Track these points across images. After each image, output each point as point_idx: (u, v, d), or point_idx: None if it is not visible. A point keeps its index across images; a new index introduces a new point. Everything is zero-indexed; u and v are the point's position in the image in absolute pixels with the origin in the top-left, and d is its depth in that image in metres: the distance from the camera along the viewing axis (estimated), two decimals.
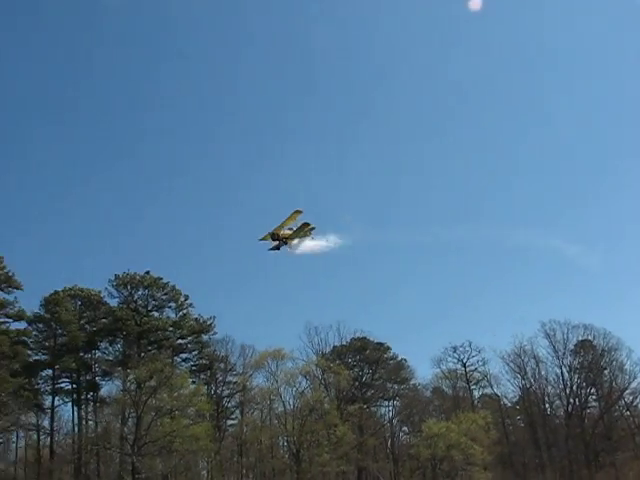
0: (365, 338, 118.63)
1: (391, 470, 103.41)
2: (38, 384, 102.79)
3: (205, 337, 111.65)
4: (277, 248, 58.95)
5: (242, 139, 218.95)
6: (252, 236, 61.95)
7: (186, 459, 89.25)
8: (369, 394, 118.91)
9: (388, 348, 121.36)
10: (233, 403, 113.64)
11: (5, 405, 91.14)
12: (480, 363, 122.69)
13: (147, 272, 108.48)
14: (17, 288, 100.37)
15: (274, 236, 57.96)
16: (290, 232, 57.53)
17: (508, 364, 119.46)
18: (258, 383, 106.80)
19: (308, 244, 59.34)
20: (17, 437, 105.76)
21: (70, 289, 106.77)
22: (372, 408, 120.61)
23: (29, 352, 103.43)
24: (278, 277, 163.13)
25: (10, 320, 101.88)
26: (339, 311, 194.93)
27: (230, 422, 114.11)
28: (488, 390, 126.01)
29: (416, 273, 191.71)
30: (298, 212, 56.63)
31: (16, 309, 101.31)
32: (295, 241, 58.11)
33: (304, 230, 57.66)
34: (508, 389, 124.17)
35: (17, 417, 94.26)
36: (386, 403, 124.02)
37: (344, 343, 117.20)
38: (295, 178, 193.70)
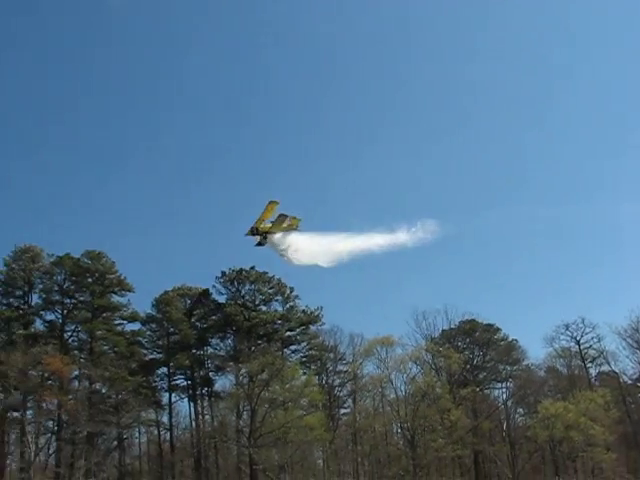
0: (474, 320, 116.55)
1: (508, 453, 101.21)
2: (155, 382, 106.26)
3: (313, 328, 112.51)
4: (260, 244, 57.21)
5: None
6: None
7: (301, 449, 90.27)
8: (481, 377, 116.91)
9: (498, 329, 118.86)
10: (345, 392, 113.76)
11: (126, 403, 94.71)
12: (595, 340, 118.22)
13: (252, 267, 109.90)
14: (129, 291, 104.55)
15: (253, 230, 55.88)
16: (269, 226, 55.31)
17: (625, 339, 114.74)
18: (369, 371, 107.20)
19: (344, 245, 56.91)
20: (139, 433, 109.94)
21: (179, 288, 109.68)
22: (485, 391, 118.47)
23: (144, 351, 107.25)
24: (381, 264, 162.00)
25: (125, 322, 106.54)
26: (445, 295, 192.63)
27: (343, 411, 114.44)
28: (605, 367, 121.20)
29: (521, 253, 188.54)
30: (274, 203, 53.66)
31: (129, 311, 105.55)
32: (277, 235, 55.94)
33: (284, 222, 55.13)
34: (627, 365, 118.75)
35: (138, 414, 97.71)
36: (499, 385, 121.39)
37: (452, 326, 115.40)
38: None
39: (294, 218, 59.31)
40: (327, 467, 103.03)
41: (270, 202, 54.19)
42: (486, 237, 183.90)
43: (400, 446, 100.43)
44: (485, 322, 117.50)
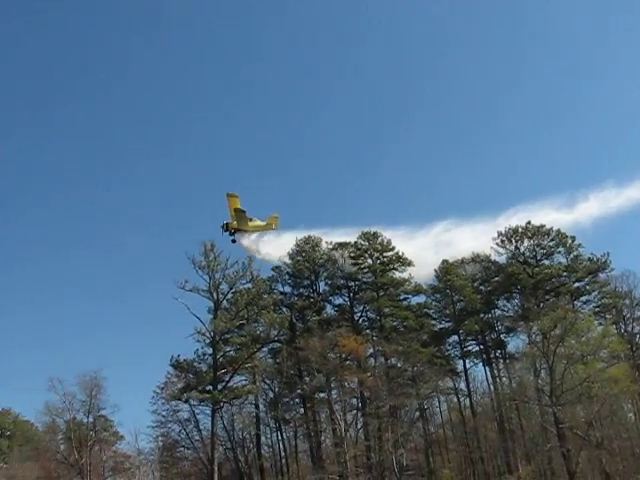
0: None
1: None
2: (447, 350, 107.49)
3: (602, 275, 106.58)
4: (235, 242, 53.25)
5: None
6: None
7: (608, 403, 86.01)
8: None
9: None
10: None
11: (422, 374, 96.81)
12: None
13: (528, 222, 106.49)
14: (409, 265, 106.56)
15: (223, 227, 51.98)
16: (235, 223, 50.59)
17: None
18: None
19: None
20: (439, 402, 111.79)
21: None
22: None
23: (433, 322, 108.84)
24: None
25: (409, 296, 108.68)
26: None
27: None
28: None
29: None
30: (233, 196, 49.23)
31: (412, 285, 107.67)
32: (250, 236, 50.93)
33: (243, 218, 50.08)
34: None
35: (435, 383, 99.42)
36: None
37: None
38: None
39: (272, 217, 56.08)
40: (639, 421, 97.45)
41: (228, 196, 51.87)
42: None
43: None
44: None
